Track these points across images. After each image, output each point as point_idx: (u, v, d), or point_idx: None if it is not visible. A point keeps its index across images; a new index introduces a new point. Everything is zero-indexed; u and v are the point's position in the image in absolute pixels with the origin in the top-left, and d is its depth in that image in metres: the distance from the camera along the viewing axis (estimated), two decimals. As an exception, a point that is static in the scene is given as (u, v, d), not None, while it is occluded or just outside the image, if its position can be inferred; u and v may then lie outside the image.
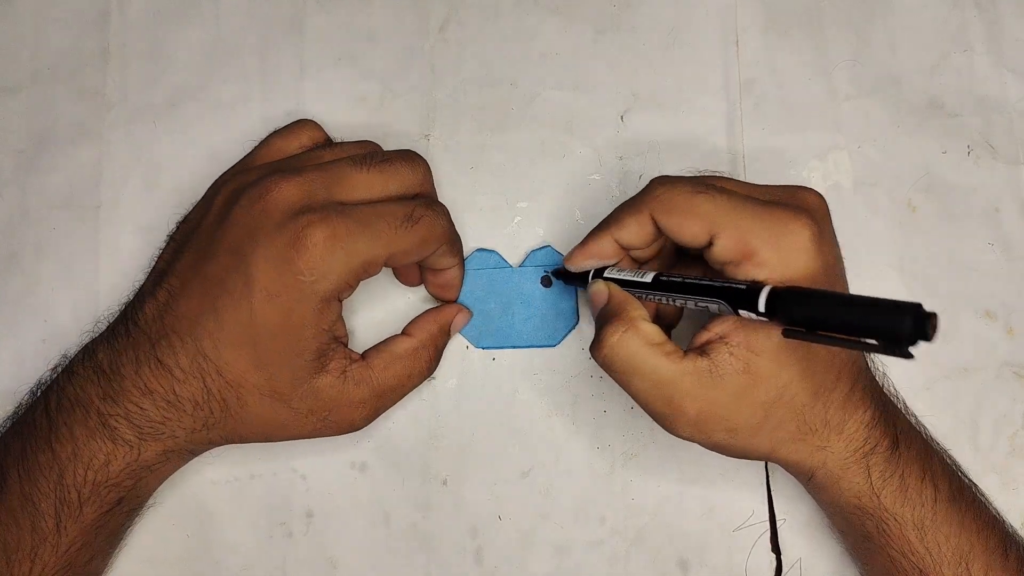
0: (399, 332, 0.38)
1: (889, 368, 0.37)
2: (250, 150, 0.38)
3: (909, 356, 0.25)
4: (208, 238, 0.33)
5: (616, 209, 0.34)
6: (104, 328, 0.35)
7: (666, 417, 0.32)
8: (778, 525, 0.39)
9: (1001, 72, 0.43)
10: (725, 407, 0.31)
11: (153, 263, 0.37)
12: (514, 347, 0.40)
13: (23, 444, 0.33)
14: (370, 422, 0.35)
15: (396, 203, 0.33)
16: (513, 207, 0.41)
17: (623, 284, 0.34)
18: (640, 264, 0.36)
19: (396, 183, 0.34)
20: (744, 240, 0.30)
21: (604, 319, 0.33)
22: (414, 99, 0.42)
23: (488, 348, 0.40)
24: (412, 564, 0.39)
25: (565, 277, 0.38)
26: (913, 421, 0.36)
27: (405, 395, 0.37)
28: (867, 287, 0.41)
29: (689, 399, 0.31)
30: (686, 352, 0.32)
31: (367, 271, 0.32)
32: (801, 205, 0.32)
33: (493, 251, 0.40)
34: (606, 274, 0.35)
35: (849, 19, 0.43)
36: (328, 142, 0.38)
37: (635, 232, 0.33)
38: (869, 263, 0.42)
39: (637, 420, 0.40)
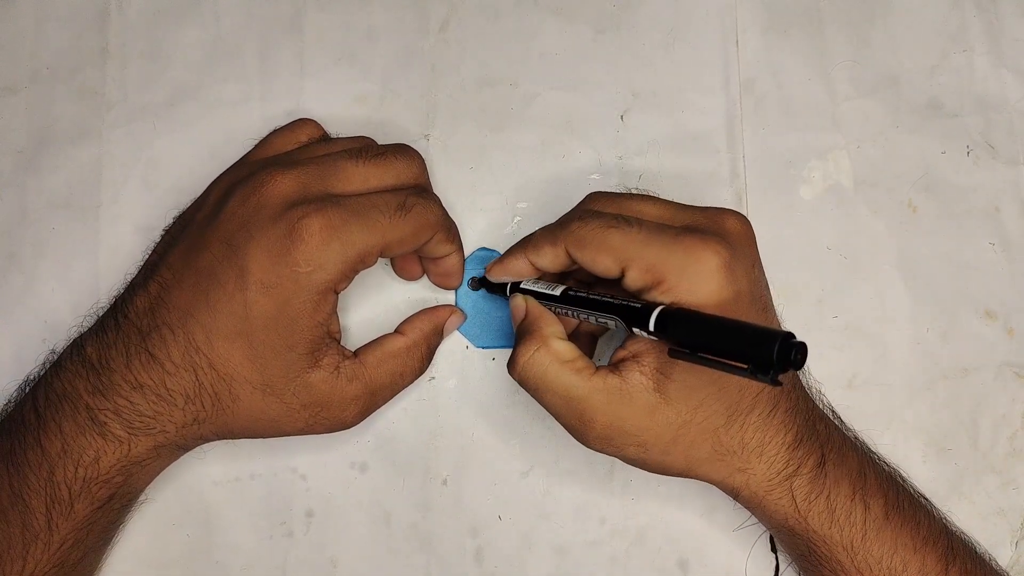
0: (392, 331, 0.38)
1: (824, 385, 0.38)
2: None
3: (777, 383, 0.25)
4: (201, 231, 0.33)
5: (537, 232, 0.35)
6: (93, 322, 0.35)
7: (577, 431, 0.33)
8: (778, 525, 0.39)
9: (1001, 72, 0.43)
10: (635, 424, 0.32)
11: (146, 257, 0.37)
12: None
13: (12, 441, 0.32)
14: (362, 420, 0.35)
15: (389, 193, 0.33)
16: (513, 207, 0.41)
17: (536, 295, 0.35)
18: (563, 276, 0.37)
19: (391, 176, 0.34)
20: (653, 270, 0.31)
21: (519, 336, 0.34)
22: (414, 99, 0.42)
23: (488, 347, 0.40)
24: (412, 564, 0.39)
25: (487, 286, 0.39)
26: (852, 437, 0.36)
27: (397, 393, 0.37)
28: (867, 287, 0.41)
29: (599, 414, 0.32)
30: (600, 368, 0.32)
31: (363, 262, 0.32)
32: (717, 231, 0.32)
33: (493, 251, 0.40)
34: (522, 284, 0.36)
35: (849, 19, 0.43)
36: (325, 138, 0.38)
37: (550, 260, 0.34)
38: (869, 263, 0.42)
39: (637, 420, 0.40)
